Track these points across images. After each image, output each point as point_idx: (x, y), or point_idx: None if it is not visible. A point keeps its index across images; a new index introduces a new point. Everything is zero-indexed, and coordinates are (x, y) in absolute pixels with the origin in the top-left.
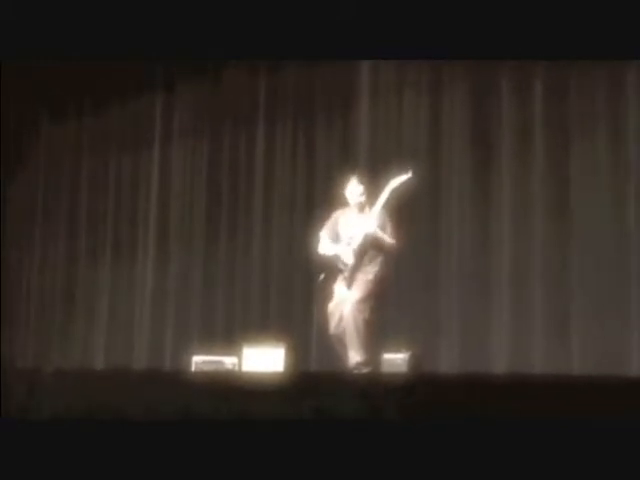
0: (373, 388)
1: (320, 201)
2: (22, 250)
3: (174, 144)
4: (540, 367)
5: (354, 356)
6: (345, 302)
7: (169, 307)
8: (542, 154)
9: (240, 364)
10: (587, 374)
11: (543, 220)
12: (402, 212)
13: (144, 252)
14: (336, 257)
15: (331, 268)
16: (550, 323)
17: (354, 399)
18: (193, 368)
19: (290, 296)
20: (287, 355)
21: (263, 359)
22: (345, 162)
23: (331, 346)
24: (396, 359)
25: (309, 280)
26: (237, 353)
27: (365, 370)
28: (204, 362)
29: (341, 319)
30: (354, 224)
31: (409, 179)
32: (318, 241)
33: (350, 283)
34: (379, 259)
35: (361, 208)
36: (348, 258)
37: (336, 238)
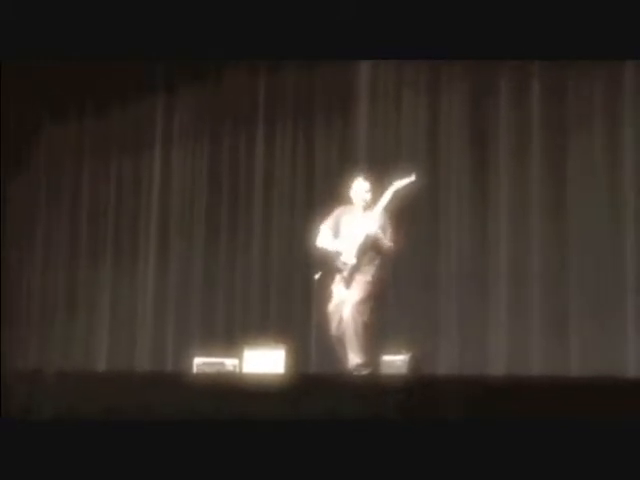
0: (373, 389)
1: (320, 201)
2: (23, 251)
3: (175, 145)
4: (538, 368)
5: (354, 358)
6: (344, 303)
7: (170, 309)
8: (540, 154)
9: (241, 366)
10: (585, 375)
11: (541, 220)
12: (401, 213)
13: (145, 254)
14: (335, 253)
15: (329, 265)
16: (548, 323)
17: (354, 400)
18: (194, 370)
19: (290, 298)
20: (287, 357)
21: (264, 361)
22: (345, 162)
23: (331, 348)
24: (395, 361)
25: (309, 282)
26: (238, 355)
27: (365, 372)
28: (205, 364)
29: (341, 321)
30: (356, 223)
31: (412, 182)
32: (318, 233)
33: (349, 283)
34: (377, 260)
35: (365, 207)
36: (348, 257)
37: (336, 234)
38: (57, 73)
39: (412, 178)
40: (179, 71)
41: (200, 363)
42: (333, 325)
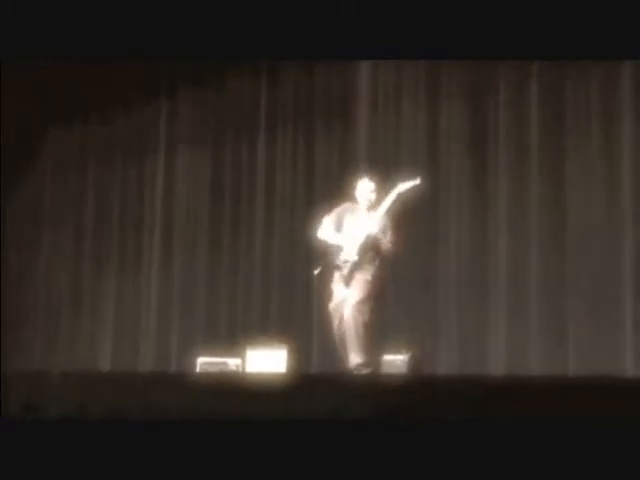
0: (373, 389)
1: (320, 204)
2: (29, 254)
3: (178, 151)
4: (537, 368)
5: (354, 357)
6: (345, 302)
7: (174, 310)
8: (538, 156)
9: (243, 365)
10: (583, 375)
11: (540, 221)
12: (401, 214)
13: (149, 256)
14: (336, 248)
15: (329, 260)
16: (546, 324)
17: (355, 400)
18: (198, 369)
19: (291, 299)
20: (289, 356)
21: (266, 360)
22: (345, 166)
23: (332, 347)
24: (396, 360)
25: (310, 283)
26: (241, 355)
27: (365, 371)
28: (208, 363)
29: (341, 321)
30: (359, 222)
31: (416, 185)
32: (320, 226)
33: (349, 282)
34: (377, 260)
35: (369, 207)
36: (349, 255)
37: (338, 229)
38: (60, 79)
39: (417, 181)
40: (181, 77)
41: (203, 363)
42: (334, 324)
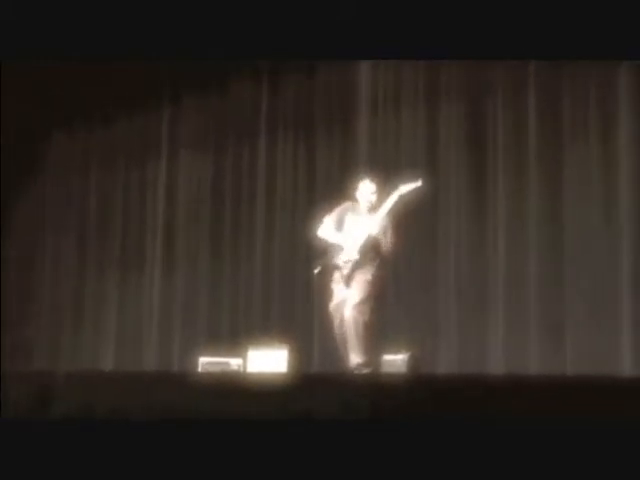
0: (374, 388)
1: (321, 206)
2: (32, 259)
3: (180, 155)
4: (535, 368)
5: (355, 357)
6: (345, 303)
7: (176, 311)
8: (536, 159)
9: (245, 365)
10: (581, 374)
11: (538, 223)
12: (402, 216)
13: (152, 258)
14: (336, 248)
15: (329, 259)
16: (545, 325)
17: (355, 399)
18: (200, 369)
19: (292, 299)
20: (290, 356)
21: (267, 360)
22: (345, 169)
23: (332, 348)
24: (396, 360)
25: (310, 284)
26: (242, 355)
27: (365, 371)
28: (210, 363)
29: (342, 321)
30: (360, 223)
31: (417, 187)
32: (321, 224)
33: (349, 282)
34: (377, 260)
35: (370, 209)
36: (350, 255)
37: (339, 228)
38: (62, 81)
39: (418, 183)
40: (184, 81)
41: (205, 363)
42: (334, 325)
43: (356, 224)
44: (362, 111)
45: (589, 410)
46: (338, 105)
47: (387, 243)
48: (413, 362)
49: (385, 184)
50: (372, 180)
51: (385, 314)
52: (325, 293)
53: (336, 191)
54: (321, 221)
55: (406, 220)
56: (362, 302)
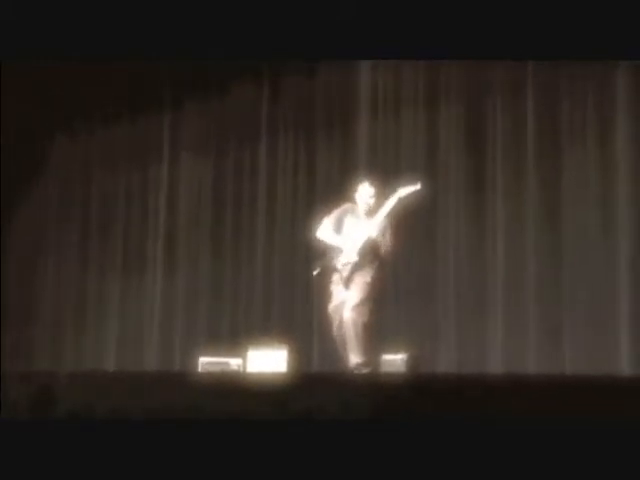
0: (373, 388)
1: (320, 211)
2: (34, 260)
3: (181, 159)
4: (534, 370)
5: (354, 358)
6: (344, 304)
7: (177, 312)
8: (535, 162)
9: (245, 365)
10: (579, 374)
11: (537, 224)
12: (400, 217)
13: (153, 258)
14: (336, 250)
15: (328, 261)
16: (543, 327)
17: (355, 398)
18: (200, 369)
19: (292, 300)
20: (290, 356)
21: (267, 360)
22: (345, 172)
23: (332, 348)
24: (395, 360)
25: (310, 285)
26: (242, 355)
27: (365, 371)
28: (210, 363)
29: (341, 322)
30: (359, 225)
31: (416, 191)
32: (320, 225)
33: (348, 284)
34: (376, 262)
35: (368, 212)
36: (349, 257)
37: (338, 230)
38: (63, 82)
39: (417, 186)
40: (185, 85)
41: (205, 363)
42: (334, 326)
43: (355, 226)
44: (362, 112)
45: (588, 409)
46: (338, 106)
47: (386, 245)
48: (412, 362)
49: (384, 187)
50: (371, 183)
51: (384, 316)
52: (324, 294)
53: (336, 193)
54: (320, 223)
55: (405, 222)
56: (361, 303)
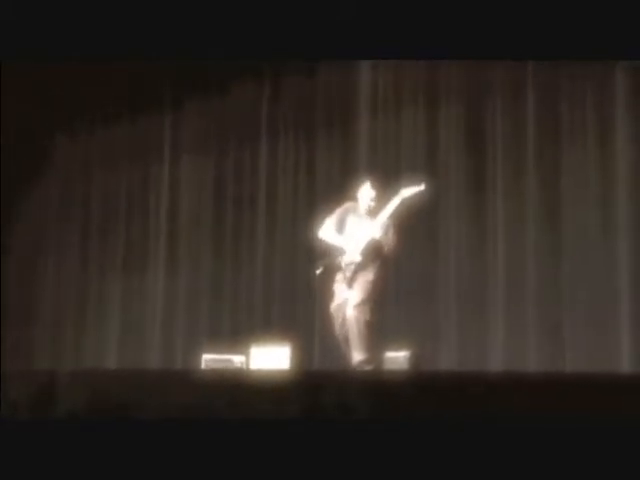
0: (376, 385)
1: (321, 211)
2: (35, 260)
3: (182, 159)
4: (534, 369)
5: (357, 355)
6: (346, 303)
7: (179, 309)
8: (535, 163)
9: (248, 362)
10: (580, 371)
11: (537, 224)
12: (403, 217)
13: (155, 256)
14: (338, 250)
15: (330, 260)
16: (544, 326)
17: (357, 396)
18: (203, 366)
19: (294, 298)
20: (292, 354)
21: (269, 357)
22: (346, 172)
23: (334, 345)
24: (398, 357)
25: (312, 282)
26: (245, 352)
27: (368, 368)
28: (213, 360)
29: (343, 321)
30: (361, 225)
31: (419, 192)
32: (322, 225)
33: (351, 283)
34: (378, 261)
35: (370, 211)
36: (352, 257)
37: (340, 230)
38: (63, 83)
39: (420, 187)
40: (185, 85)
41: (208, 360)
42: (336, 324)
43: (357, 225)
44: (362, 112)
45: (588, 407)
46: (339, 106)
47: (389, 245)
48: (415, 359)
49: (386, 187)
50: (372, 184)
51: (385, 315)
52: (326, 292)
53: (336, 193)
54: (322, 222)
55: (406, 222)
56: (363, 302)
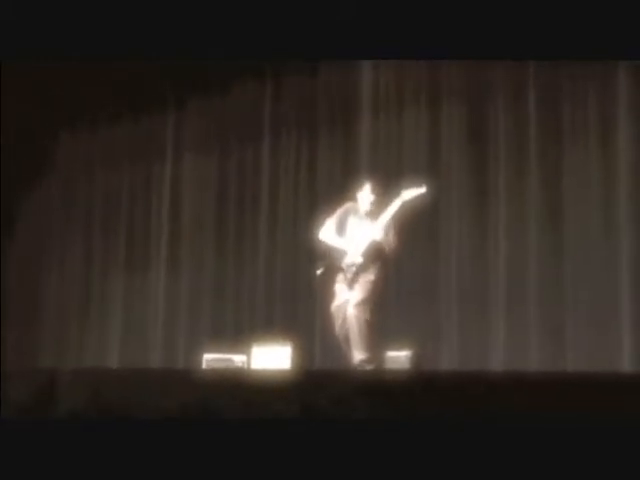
0: (376, 384)
1: (322, 210)
2: (38, 259)
3: (184, 159)
4: (536, 368)
5: (358, 354)
6: (347, 303)
7: (181, 309)
8: (537, 163)
9: (249, 362)
10: (580, 371)
11: (538, 224)
12: (404, 217)
13: (157, 256)
14: (339, 252)
15: (330, 261)
16: (545, 327)
17: (358, 395)
18: (204, 366)
19: (295, 298)
20: (293, 353)
21: (270, 357)
22: (348, 173)
23: (335, 345)
24: (399, 357)
25: (313, 282)
26: (246, 351)
27: (369, 367)
28: (214, 360)
29: (344, 320)
30: (362, 227)
31: (421, 194)
32: (322, 226)
33: (352, 284)
34: (379, 262)
35: (371, 212)
36: (353, 259)
37: (341, 231)
38: (63, 83)
39: (421, 190)
40: (188, 85)
41: (209, 359)
42: (336, 324)
43: (358, 226)
44: (364, 112)
45: (589, 406)
46: (340, 106)
47: (390, 246)
48: (416, 359)
49: (387, 188)
50: (373, 186)
51: (387, 315)
52: (327, 292)
53: (338, 192)
54: (323, 223)
55: (408, 222)
56: (364, 302)
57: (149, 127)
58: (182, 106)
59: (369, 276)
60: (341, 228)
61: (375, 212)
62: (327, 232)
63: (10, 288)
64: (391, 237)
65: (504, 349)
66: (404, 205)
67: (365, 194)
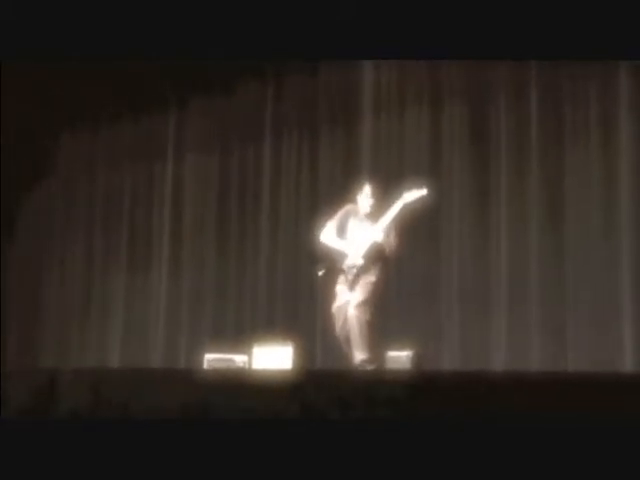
0: (377, 384)
1: (324, 211)
2: (39, 259)
3: (186, 158)
4: (537, 368)
5: (359, 355)
6: (348, 304)
7: (183, 309)
8: (539, 163)
9: (250, 362)
10: (581, 371)
11: (539, 224)
12: (405, 218)
13: (159, 256)
14: (340, 254)
15: (332, 263)
16: (547, 327)
17: (358, 395)
18: (205, 366)
19: (296, 298)
20: (295, 353)
21: (272, 357)
22: (349, 173)
23: (336, 345)
24: (400, 357)
25: (314, 283)
26: (247, 352)
27: (370, 367)
28: (216, 360)
29: (345, 321)
30: (363, 229)
31: (422, 196)
32: (323, 228)
33: (353, 286)
34: (380, 264)
35: (371, 213)
36: (354, 261)
37: (342, 233)
38: (63, 83)
39: (423, 192)
40: (189, 84)
41: (211, 359)
42: (337, 325)
43: (358, 228)
44: (365, 112)
45: (590, 406)
46: (342, 106)
47: (391, 246)
48: (418, 359)
49: (388, 187)
50: (373, 188)
51: (388, 316)
52: (329, 292)
53: (339, 192)
54: (323, 225)
55: (409, 223)
56: (364, 302)
57: (150, 127)
58: (183, 106)
59: (370, 277)
60: (342, 230)
61: (376, 214)
62: (328, 234)
63: (11, 288)
64: (392, 239)
65: (505, 349)
66: (405, 207)
67: (365, 195)
